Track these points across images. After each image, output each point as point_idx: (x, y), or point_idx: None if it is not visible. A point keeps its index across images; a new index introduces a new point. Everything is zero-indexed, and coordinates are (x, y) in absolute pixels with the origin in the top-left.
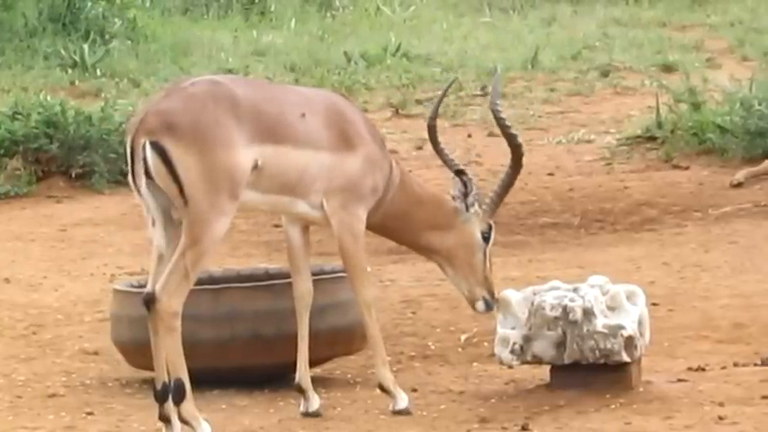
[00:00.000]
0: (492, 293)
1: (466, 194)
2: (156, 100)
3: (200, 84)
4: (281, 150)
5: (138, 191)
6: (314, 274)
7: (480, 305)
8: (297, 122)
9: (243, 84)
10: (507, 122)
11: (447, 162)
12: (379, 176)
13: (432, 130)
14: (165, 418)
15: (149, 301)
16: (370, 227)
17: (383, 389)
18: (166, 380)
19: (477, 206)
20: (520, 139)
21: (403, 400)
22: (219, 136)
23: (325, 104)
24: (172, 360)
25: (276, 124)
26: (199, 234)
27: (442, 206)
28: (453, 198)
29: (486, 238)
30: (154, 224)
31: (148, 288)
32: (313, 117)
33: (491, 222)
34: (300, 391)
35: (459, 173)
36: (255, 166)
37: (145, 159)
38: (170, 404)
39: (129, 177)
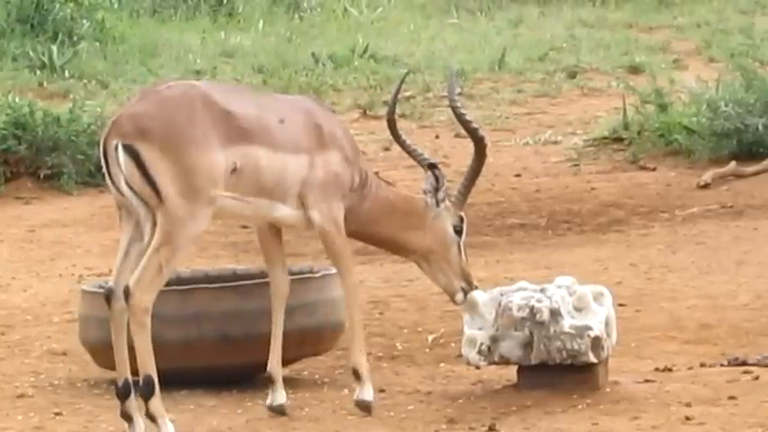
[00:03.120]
0: (470, 283)
1: (437, 189)
2: (130, 103)
3: (176, 87)
4: (258, 153)
5: (119, 190)
6: None
7: (459, 297)
8: (274, 127)
9: (219, 88)
10: (468, 117)
11: (415, 156)
12: (351, 179)
13: (391, 124)
14: (126, 416)
15: (110, 298)
16: (347, 234)
17: (357, 375)
18: (128, 377)
19: (446, 201)
20: (482, 132)
21: (369, 393)
22: (194, 137)
23: (302, 109)
24: (141, 356)
25: (254, 127)
26: (174, 233)
27: (413, 207)
28: (425, 192)
29: (458, 231)
30: (122, 219)
31: (111, 284)
32: (291, 122)
33: (462, 215)
34: (270, 382)
35: (432, 167)
36: (234, 169)
37: (118, 161)
38: (131, 402)
39: (107, 179)
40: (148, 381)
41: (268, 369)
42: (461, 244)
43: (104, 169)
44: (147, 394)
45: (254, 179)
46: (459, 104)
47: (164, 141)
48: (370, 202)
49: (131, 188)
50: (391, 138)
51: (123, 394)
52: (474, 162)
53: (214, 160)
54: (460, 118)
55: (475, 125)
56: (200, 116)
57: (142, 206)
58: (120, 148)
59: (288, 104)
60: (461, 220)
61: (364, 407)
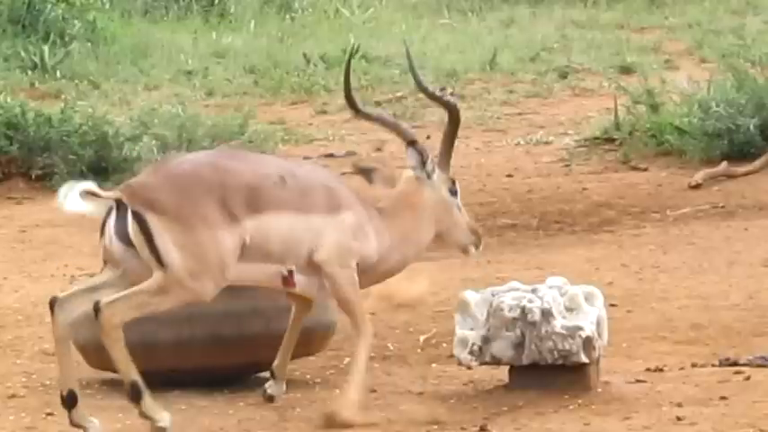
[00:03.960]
0: (478, 235)
1: (423, 162)
2: (143, 173)
3: (188, 163)
4: (264, 219)
5: (111, 247)
6: None
7: (472, 250)
8: (277, 188)
9: (230, 159)
10: (432, 89)
11: (393, 128)
12: (367, 242)
13: (349, 100)
14: (76, 425)
15: (54, 306)
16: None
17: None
18: (73, 387)
19: (436, 169)
20: (452, 100)
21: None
22: (204, 217)
23: (308, 170)
24: (120, 365)
25: (258, 194)
26: (173, 295)
27: (411, 200)
28: (412, 169)
29: (454, 193)
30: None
31: (61, 295)
32: (295, 182)
33: (452, 177)
34: (272, 376)
35: (412, 143)
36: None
37: (125, 222)
38: (78, 410)
39: (103, 235)
40: (134, 385)
41: (274, 364)
42: (459, 203)
43: (102, 227)
44: (136, 398)
45: (262, 245)
46: (422, 80)
47: (174, 216)
48: (392, 244)
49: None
50: (387, 140)
51: (69, 403)
52: (449, 127)
53: (226, 240)
54: (427, 92)
55: (443, 96)
56: (210, 194)
57: (139, 265)
58: (130, 212)
59: (295, 166)
60: (453, 182)
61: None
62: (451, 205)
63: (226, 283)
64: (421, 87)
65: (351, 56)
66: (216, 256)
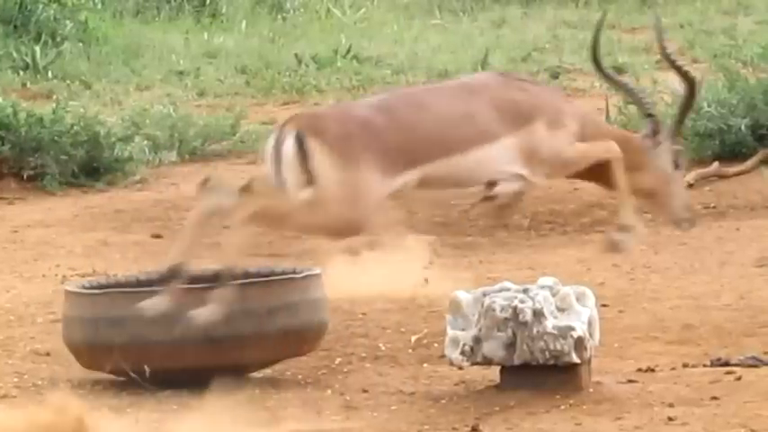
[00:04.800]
0: (693, 213)
1: (656, 133)
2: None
3: (362, 107)
4: (443, 163)
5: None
6: (264, 276)
7: (686, 226)
8: (459, 128)
9: (408, 109)
10: (680, 62)
11: (635, 97)
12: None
13: (596, 63)
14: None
15: (205, 184)
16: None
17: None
18: (183, 263)
19: (665, 141)
20: (693, 73)
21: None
22: (364, 161)
23: (488, 96)
24: (227, 252)
25: (435, 142)
26: (310, 215)
27: (632, 147)
28: (644, 137)
29: (678, 166)
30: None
31: (216, 180)
32: (474, 119)
33: (679, 148)
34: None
35: (650, 116)
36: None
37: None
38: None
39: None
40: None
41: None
42: (680, 177)
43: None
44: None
45: (445, 180)
46: (667, 46)
47: (337, 148)
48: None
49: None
50: None
51: (171, 276)
52: (686, 100)
53: (379, 187)
54: (669, 60)
55: (683, 67)
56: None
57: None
58: (291, 135)
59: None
60: (678, 154)
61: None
62: (672, 177)
63: (363, 224)
64: (664, 54)
65: (603, 18)
66: (360, 198)
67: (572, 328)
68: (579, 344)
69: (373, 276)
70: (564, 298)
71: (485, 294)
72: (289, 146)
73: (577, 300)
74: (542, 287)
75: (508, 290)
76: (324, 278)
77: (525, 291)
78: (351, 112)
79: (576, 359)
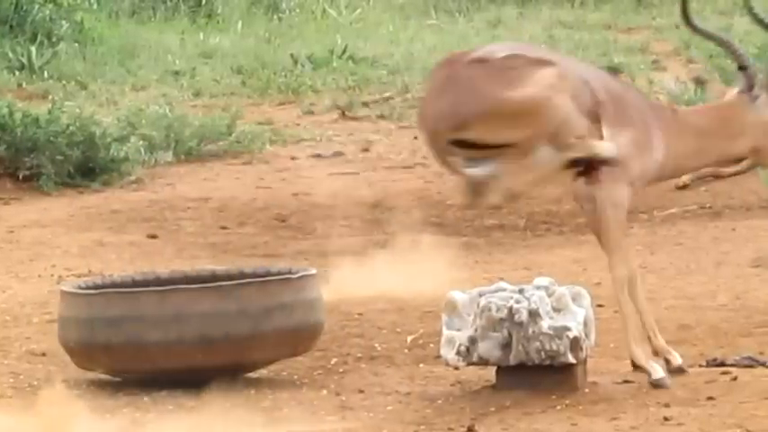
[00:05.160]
0: None
1: (752, 86)
2: None
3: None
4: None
5: None
6: (259, 276)
7: None
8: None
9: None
10: (737, 47)
11: (728, 48)
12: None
13: (686, 17)
14: None
15: None
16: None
17: (635, 365)
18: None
19: (763, 93)
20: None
21: (657, 371)
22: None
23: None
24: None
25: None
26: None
27: (729, 115)
28: (740, 92)
29: None
30: None
31: None
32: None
33: None
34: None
35: (744, 68)
36: None
37: None
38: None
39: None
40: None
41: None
42: None
43: None
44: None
45: None
46: (757, 12)
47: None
48: (672, 142)
49: None
50: (373, 141)
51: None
52: None
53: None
54: (757, 18)
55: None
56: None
57: None
58: None
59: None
60: None
61: (660, 386)
62: None
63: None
64: (757, 19)
65: None
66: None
67: (568, 329)
68: (575, 344)
69: (396, 278)
70: (560, 298)
71: (480, 295)
72: None
73: (573, 300)
74: (538, 287)
75: (504, 290)
76: (331, 279)
77: (521, 291)
78: None
79: (571, 359)
